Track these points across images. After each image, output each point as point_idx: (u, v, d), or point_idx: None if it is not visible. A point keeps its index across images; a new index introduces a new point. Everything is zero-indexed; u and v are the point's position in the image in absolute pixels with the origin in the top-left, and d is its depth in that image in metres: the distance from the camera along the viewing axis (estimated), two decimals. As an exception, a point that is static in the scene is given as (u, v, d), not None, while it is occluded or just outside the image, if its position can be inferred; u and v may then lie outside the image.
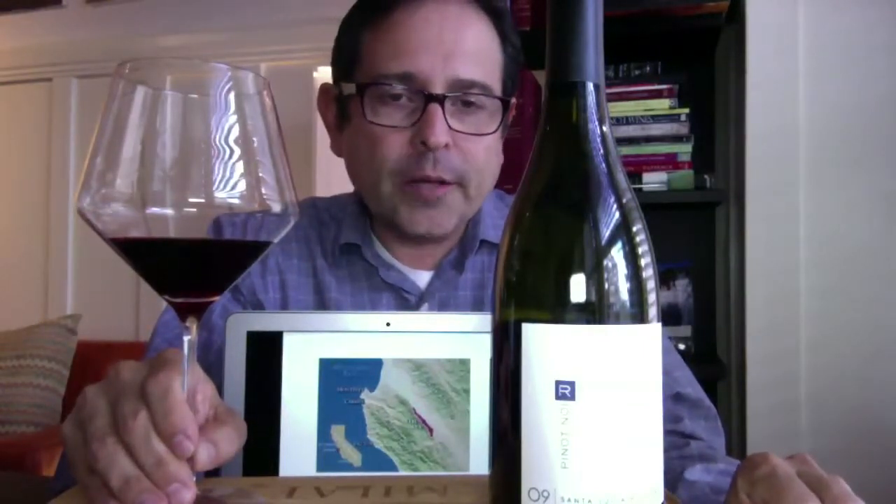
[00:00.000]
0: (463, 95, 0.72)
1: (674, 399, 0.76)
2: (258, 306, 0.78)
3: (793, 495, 0.43)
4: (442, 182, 0.72)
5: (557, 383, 0.36)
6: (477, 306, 0.79)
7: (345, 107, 0.77)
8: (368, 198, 0.77)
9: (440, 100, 0.70)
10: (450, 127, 0.71)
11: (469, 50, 0.72)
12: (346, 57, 0.77)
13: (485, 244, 0.80)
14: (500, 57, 0.77)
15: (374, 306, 0.78)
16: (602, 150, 0.39)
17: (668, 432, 0.67)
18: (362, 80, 0.74)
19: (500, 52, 0.77)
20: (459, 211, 0.75)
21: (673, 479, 0.65)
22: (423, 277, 0.80)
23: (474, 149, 0.73)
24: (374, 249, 0.79)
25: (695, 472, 0.65)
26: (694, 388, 0.78)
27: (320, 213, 0.84)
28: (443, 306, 0.79)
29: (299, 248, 0.80)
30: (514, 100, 0.82)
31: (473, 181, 0.74)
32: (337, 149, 0.81)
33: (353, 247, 0.79)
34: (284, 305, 0.78)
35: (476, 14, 0.74)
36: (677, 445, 0.71)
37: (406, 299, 0.78)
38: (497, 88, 0.75)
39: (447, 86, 0.71)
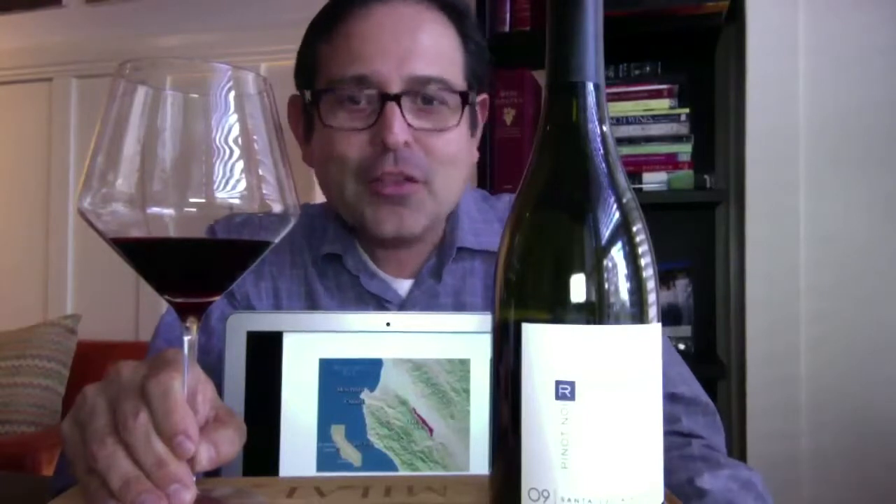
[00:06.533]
0: (420, 91, 0.72)
1: (669, 399, 0.75)
2: None
3: None
4: (406, 178, 0.71)
5: (557, 383, 0.36)
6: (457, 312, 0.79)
7: (310, 116, 0.77)
8: (338, 205, 0.77)
9: (397, 98, 0.70)
10: (409, 125, 0.71)
11: (425, 49, 0.72)
12: (305, 70, 0.78)
13: (464, 250, 0.80)
14: (460, 54, 0.76)
15: None
16: (602, 150, 0.39)
17: (666, 433, 0.67)
18: (319, 88, 0.74)
19: (460, 50, 0.76)
20: (427, 210, 0.74)
21: (679, 486, 0.65)
22: (403, 286, 0.80)
23: (437, 144, 0.73)
24: (356, 258, 0.79)
25: (704, 481, 0.64)
26: (690, 386, 0.77)
27: (312, 220, 0.84)
28: None
29: (292, 257, 0.81)
30: (484, 96, 0.82)
31: (439, 177, 0.74)
32: (308, 159, 0.81)
33: (336, 256, 0.79)
34: None
35: (431, 14, 0.74)
36: (678, 446, 0.71)
37: (387, 309, 0.78)
38: (458, 84, 0.75)
39: (404, 84, 0.71)
